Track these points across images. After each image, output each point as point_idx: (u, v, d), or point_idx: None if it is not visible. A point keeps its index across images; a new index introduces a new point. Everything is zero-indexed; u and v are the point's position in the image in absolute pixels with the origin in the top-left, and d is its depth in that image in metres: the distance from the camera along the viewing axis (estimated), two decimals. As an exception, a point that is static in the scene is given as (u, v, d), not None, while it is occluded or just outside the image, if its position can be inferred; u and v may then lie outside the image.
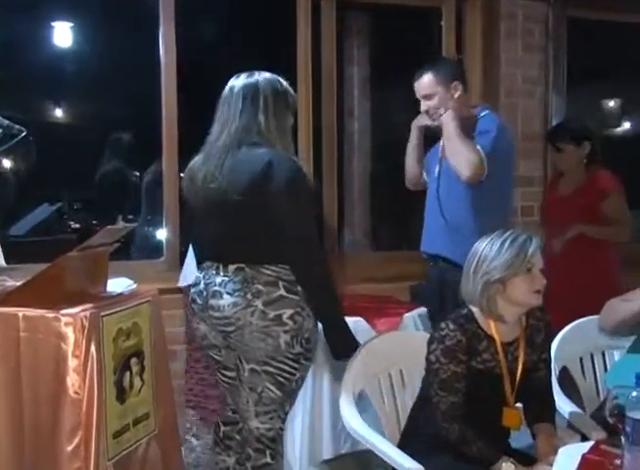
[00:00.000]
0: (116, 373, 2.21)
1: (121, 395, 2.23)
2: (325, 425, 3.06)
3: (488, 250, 2.11)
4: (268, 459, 2.31)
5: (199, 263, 2.44)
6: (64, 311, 2.09)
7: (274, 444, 2.33)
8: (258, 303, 2.21)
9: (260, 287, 2.21)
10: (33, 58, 4.62)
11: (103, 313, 2.16)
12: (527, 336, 2.20)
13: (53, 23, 4.73)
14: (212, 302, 2.27)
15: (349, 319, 3.05)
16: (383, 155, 4.95)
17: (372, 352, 2.33)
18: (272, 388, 2.27)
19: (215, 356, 2.39)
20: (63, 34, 4.77)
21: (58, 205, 3.71)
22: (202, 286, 2.32)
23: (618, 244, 3.55)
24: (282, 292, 2.22)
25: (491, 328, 2.14)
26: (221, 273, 2.27)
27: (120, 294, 2.38)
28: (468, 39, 4.20)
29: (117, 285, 2.43)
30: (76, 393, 2.06)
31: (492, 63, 4.12)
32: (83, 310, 2.10)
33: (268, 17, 4.60)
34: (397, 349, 2.41)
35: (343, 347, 2.32)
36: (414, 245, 4.67)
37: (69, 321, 2.07)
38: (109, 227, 2.38)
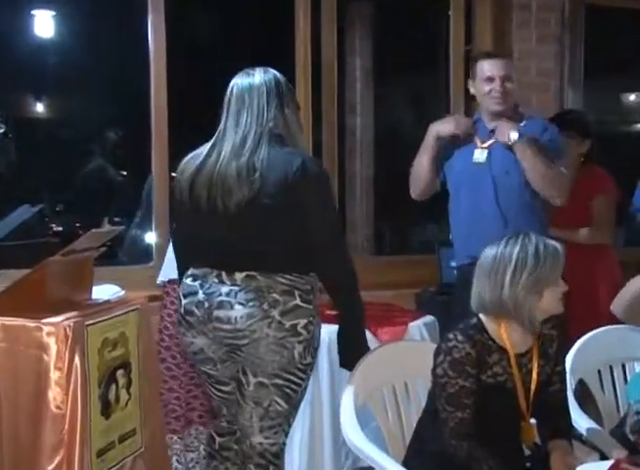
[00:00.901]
0: (102, 386, 2.20)
1: (106, 409, 2.22)
2: (325, 441, 3.07)
3: (524, 257, 2.08)
4: None
5: (184, 269, 2.39)
6: (46, 320, 2.09)
7: (277, 459, 2.34)
8: (275, 313, 2.21)
9: (277, 296, 2.22)
10: (12, 49, 4.62)
11: (87, 322, 2.16)
12: (540, 346, 2.20)
13: (33, 12, 4.73)
14: (219, 313, 2.24)
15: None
16: (386, 152, 4.96)
17: (375, 363, 2.33)
18: (280, 401, 2.27)
19: (210, 371, 2.37)
20: (44, 23, 4.78)
21: (39, 206, 3.70)
22: (201, 296, 2.27)
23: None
24: (298, 301, 2.23)
25: (503, 339, 2.14)
26: (227, 282, 2.24)
27: (107, 301, 2.38)
28: (477, 30, 4.21)
29: (103, 292, 2.43)
30: (58, 407, 2.06)
31: (504, 54, 4.12)
32: (67, 319, 2.10)
33: (265, 6, 4.62)
34: (402, 360, 2.41)
35: (359, 356, 2.33)
36: (419, 249, 4.68)
37: (52, 331, 2.07)
38: (94, 230, 2.39)
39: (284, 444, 2.36)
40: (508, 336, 2.14)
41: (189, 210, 2.31)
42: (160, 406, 2.62)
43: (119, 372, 2.29)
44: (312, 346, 2.28)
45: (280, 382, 2.25)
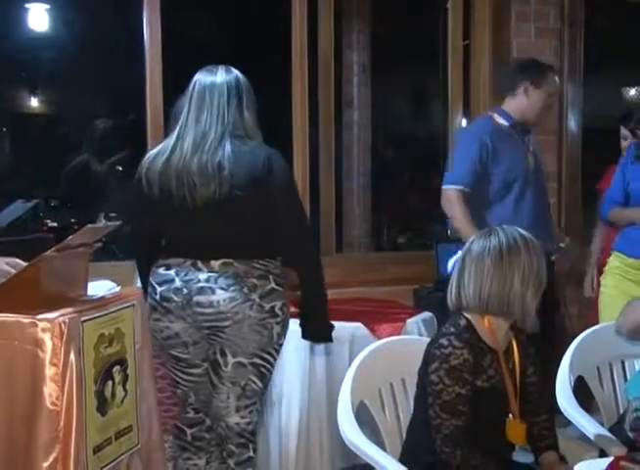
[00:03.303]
0: (98, 383, 2.20)
1: (103, 406, 2.22)
2: (322, 438, 3.07)
3: (529, 256, 2.08)
4: (251, 453, 2.51)
5: (147, 260, 2.53)
6: (41, 316, 2.08)
7: (254, 437, 2.53)
8: (255, 296, 2.38)
9: (255, 281, 2.39)
10: (6, 43, 4.61)
11: (83, 318, 2.15)
12: (517, 338, 2.19)
13: (27, 5, 4.72)
14: (200, 298, 2.39)
15: (348, 325, 3.11)
16: (384, 147, 4.96)
17: (373, 359, 2.33)
18: (256, 380, 2.46)
19: (180, 355, 2.51)
20: (38, 17, 4.76)
21: (33, 201, 3.71)
22: (178, 283, 2.42)
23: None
24: (273, 285, 2.41)
25: (491, 338, 2.11)
26: (204, 269, 2.40)
27: (102, 297, 2.38)
28: (476, 24, 4.21)
29: (99, 288, 2.42)
30: (54, 404, 2.05)
31: (502, 49, 4.13)
32: (62, 315, 2.09)
33: (261, -1, 4.61)
34: (400, 356, 2.41)
35: (327, 331, 2.54)
36: (418, 245, 4.69)
37: (47, 327, 2.06)
38: (89, 226, 2.38)
39: (257, 423, 2.55)
40: (495, 334, 2.12)
41: (159, 203, 2.43)
42: (157, 403, 2.62)
43: (116, 369, 2.29)
44: (286, 327, 2.49)
45: (258, 361, 2.44)
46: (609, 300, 3.10)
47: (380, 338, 2.97)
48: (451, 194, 3.27)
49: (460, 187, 3.25)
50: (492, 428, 2.11)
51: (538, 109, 3.33)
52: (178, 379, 2.57)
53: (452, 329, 2.10)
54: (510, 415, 2.12)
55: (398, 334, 3.12)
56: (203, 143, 2.36)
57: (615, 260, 3.17)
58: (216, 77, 2.42)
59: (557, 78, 3.38)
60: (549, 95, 3.33)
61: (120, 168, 4.68)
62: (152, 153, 2.48)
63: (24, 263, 2.24)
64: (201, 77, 2.44)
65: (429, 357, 2.09)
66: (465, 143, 3.37)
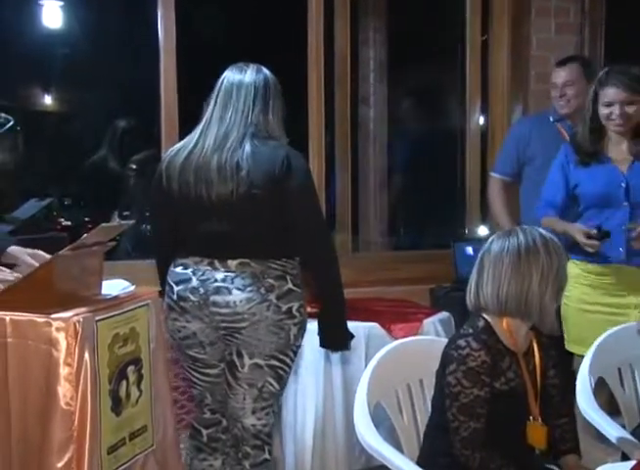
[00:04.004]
0: (112, 382, 2.21)
1: (117, 406, 2.22)
2: (338, 439, 3.07)
3: (548, 257, 2.06)
4: (267, 455, 2.50)
5: (165, 258, 2.52)
6: (55, 315, 2.09)
7: (270, 439, 2.52)
8: (272, 296, 2.37)
9: (272, 281, 2.38)
10: (20, 40, 4.62)
11: (97, 318, 2.16)
12: (538, 340, 2.17)
13: (41, 2, 4.73)
14: (217, 298, 2.38)
15: (364, 325, 3.10)
16: (401, 145, 4.94)
17: (389, 360, 2.32)
18: (273, 382, 2.44)
19: (197, 355, 2.51)
20: (52, 14, 4.78)
21: (47, 200, 3.72)
22: (195, 283, 2.41)
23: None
24: (290, 285, 2.40)
25: (510, 340, 2.10)
26: (221, 269, 2.39)
27: (116, 297, 2.38)
28: (495, 19, 4.19)
29: (113, 287, 2.43)
30: (68, 404, 2.06)
31: (522, 45, 4.11)
32: (76, 314, 2.10)
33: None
34: (417, 357, 2.40)
35: (344, 337, 2.51)
36: (435, 244, 4.67)
37: (61, 326, 2.07)
38: (103, 225, 2.38)
39: (273, 425, 2.53)
40: (514, 336, 2.11)
41: (177, 199, 2.42)
42: (172, 403, 2.63)
43: (130, 368, 2.30)
44: (304, 328, 2.45)
45: (275, 363, 2.42)
46: (571, 311, 2.99)
47: (396, 338, 2.96)
48: (492, 181, 3.70)
49: (500, 176, 3.64)
50: (512, 431, 2.09)
51: (553, 103, 3.51)
52: (195, 379, 2.57)
53: (470, 330, 2.09)
54: (531, 418, 2.10)
55: (415, 334, 3.11)
56: (224, 142, 2.35)
57: (574, 268, 2.96)
58: (245, 76, 2.40)
59: (560, 69, 3.45)
60: (552, 88, 3.48)
61: (135, 167, 4.69)
62: (174, 147, 2.48)
63: (48, 255, 2.25)
64: (229, 75, 2.42)
65: (446, 359, 2.09)
66: (508, 135, 3.74)
